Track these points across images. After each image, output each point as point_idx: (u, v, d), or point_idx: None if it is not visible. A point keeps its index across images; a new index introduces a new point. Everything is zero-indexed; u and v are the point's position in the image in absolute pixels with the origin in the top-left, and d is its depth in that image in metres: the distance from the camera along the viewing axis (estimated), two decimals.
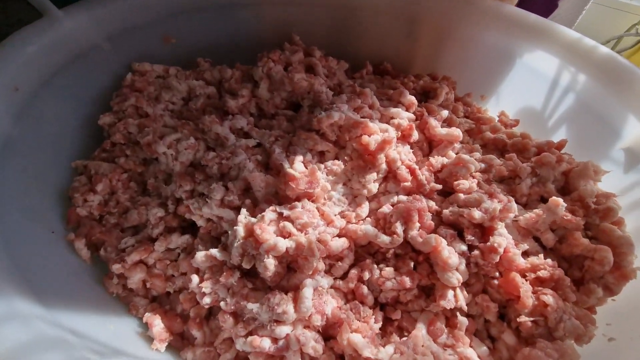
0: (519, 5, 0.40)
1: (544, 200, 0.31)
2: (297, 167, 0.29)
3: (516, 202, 0.31)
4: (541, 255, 0.28)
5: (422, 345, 0.24)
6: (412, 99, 0.35)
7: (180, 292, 0.30)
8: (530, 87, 0.36)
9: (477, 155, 0.33)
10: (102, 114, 0.37)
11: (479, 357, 0.25)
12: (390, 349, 0.24)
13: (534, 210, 0.29)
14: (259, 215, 0.27)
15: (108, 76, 0.39)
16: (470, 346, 0.26)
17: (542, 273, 0.26)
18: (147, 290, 0.30)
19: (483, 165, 0.32)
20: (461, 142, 0.35)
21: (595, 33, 0.55)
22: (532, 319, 0.25)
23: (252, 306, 0.24)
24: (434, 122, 0.33)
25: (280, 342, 0.24)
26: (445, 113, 0.35)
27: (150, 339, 0.26)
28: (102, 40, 0.37)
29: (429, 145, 0.35)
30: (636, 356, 0.22)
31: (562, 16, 0.41)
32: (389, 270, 0.27)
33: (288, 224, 0.26)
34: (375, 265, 0.28)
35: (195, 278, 0.27)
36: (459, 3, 0.37)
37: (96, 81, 0.38)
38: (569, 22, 0.42)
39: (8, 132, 0.30)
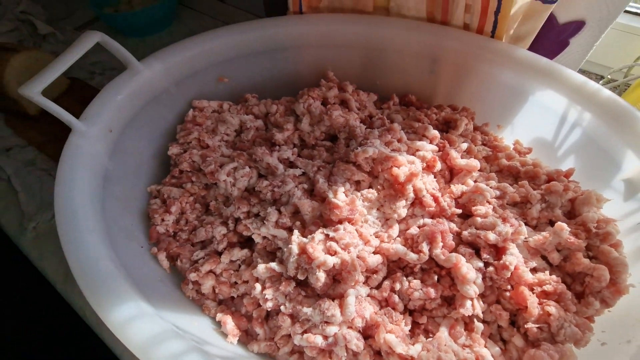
0: (532, 43, 0.44)
1: (551, 223, 0.36)
2: (340, 196, 0.35)
3: (527, 225, 0.36)
4: (547, 272, 0.33)
5: (445, 345, 0.30)
6: (436, 133, 0.40)
7: (242, 297, 0.36)
8: (541, 120, 0.41)
9: (493, 183, 0.38)
10: (170, 145, 0.44)
11: (492, 356, 0.30)
12: (418, 346, 0.30)
13: (542, 233, 0.34)
14: (310, 236, 0.33)
15: (174, 113, 0.47)
16: (485, 347, 0.31)
17: (547, 287, 0.31)
18: (215, 295, 0.37)
19: (498, 192, 0.37)
20: (479, 170, 0.40)
21: (608, 57, 0.58)
22: (537, 325, 0.30)
23: (307, 310, 0.31)
24: (454, 154, 0.39)
25: (330, 339, 0.30)
26: (464, 145, 0.40)
27: (223, 334, 0.33)
28: (171, 85, 0.45)
29: (450, 173, 0.40)
30: (623, 358, 0.26)
31: (573, 52, 0.45)
32: (416, 283, 0.33)
33: (334, 244, 0.32)
34: (405, 278, 0.34)
35: (258, 286, 0.33)
36: (475, 45, 0.42)
37: (165, 118, 0.46)
38: (580, 57, 0.46)
39: (106, 167, 0.38)
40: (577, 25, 0.43)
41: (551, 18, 0.44)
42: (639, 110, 0.35)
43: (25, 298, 0.85)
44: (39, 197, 0.55)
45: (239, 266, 0.38)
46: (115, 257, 0.30)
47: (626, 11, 0.57)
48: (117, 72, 0.74)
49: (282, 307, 0.32)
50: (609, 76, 0.54)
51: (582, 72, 0.60)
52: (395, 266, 0.35)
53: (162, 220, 0.40)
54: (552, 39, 0.45)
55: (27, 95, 0.33)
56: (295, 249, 0.33)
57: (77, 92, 0.68)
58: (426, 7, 0.42)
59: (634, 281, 0.31)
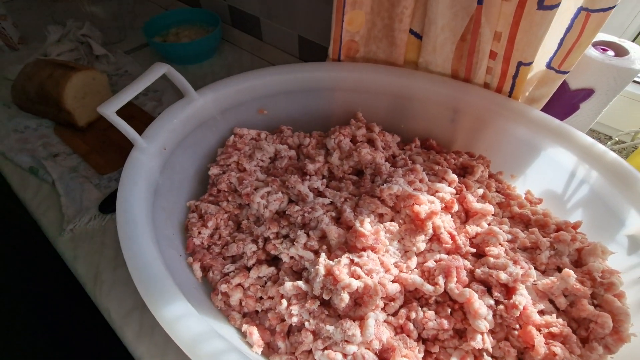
0: (546, 104, 0.49)
1: (559, 269, 0.39)
2: (367, 226, 0.38)
3: (536, 269, 0.39)
4: (554, 315, 0.35)
5: None
6: (454, 177, 0.44)
7: (266, 311, 0.39)
8: (552, 174, 0.45)
9: (505, 227, 0.42)
10: (211, 166, 0.49)
11: None
12: None
13: (550, 277, 0.37)
14: (336, 259, 0.37)
15: (216, 137, 0.52)
16: None
17: (554, 329, 0.34)
18: (241, 307, 0.40)
19: (510, 236, 0.41)
20: (493, 215, 0.44)
21: (619, 120, 0.63)
22: None
23: (329, 328, 0.33)
24: (471, 198, 0.42)
25: (349, 358, 0.32)
26: (480, 191, 0.44)
27: (248, 344, 0.36)
28: (217, 113, 0.50)
29: (465, 215, 0.44)
30: None
31: (583, 115, 0.50)
32: (430, 314, 0.35)
33: (358, 269, 0.35)
34: (420, 308, 0.36)
35: (284, 302, 0.36)
36: (493, 102, 0.47)
37: (208, 141, 0.51)
38: (590, 120, 0.50)
39: (157, 180, 0.42)
40: (587, 93, 0.48)
41: (564, 84, 0.49)
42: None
43: (53, 296, 0.88)
44: (79, 201, 0.60)
45: (265, 282, 0.41)
46: (163, 261, 0.34)
47: (635, 81, 0.62)
48: (158, 94, 0.81)
49: (306, 324, 0.34)
50: (616, 138, 0.58)
51: (592, 131, 0.65)
52: (411, 296, 0.38)
53: (199, 233, 0.43)
54: (564, 102, 0.49)
55: (104, 113, 0.38)
56: (322, 270, 0.36)
57: (123, 109, 0.75)
58: (452, 65, 0.48)
59: (635, 331, 0.33)
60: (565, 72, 0.42)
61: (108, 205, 0.58)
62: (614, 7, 0.36)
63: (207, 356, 0.26)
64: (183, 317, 0.28)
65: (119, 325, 0.46)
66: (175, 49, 0.85)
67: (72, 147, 0.68)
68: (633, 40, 0.58)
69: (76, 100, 0.68)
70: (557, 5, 0.35)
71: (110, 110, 0.38)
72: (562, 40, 0.39)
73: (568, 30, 0.38)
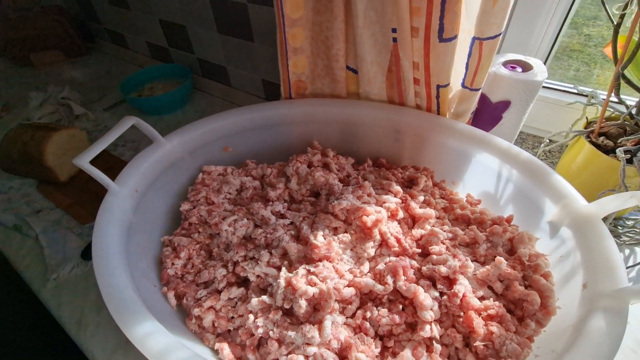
0: (475, 117, 0.56)
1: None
2: (319, 239, 0.43)
3: (476, 261, 0.44)
4: (492, 299, 0.39)
5: None
6: (398, 188, 0.50)
7: (237, 329, 0.42)
8: (485, 177, 0.50)
9: (446, 227, 0.47)
10: (182, 203, 0.53)
11: None
12: None
13: (486, 266, 0.41)
14: (294, 271, 0.41)
15: (186, 176, 0.57)
16: None
17: (491, 311, 0.38)
18: (214, 329, 0.43)
19: (450, 235, 0.45)
20: (437, 217, 0.49)
21: (544, 123, 0.70)
22: (483, 343, 0.36)
23: (291, 333, 0.37)
24: (414, 204, 0.48)
25: (310, 358, 0.35)
26: (422, 198, 0.49)
27: None
28: (186, 154, 0.56)
29: (412, 221, 0.49)
30: None
31: (507, 124, 0.57)
32: (384, 311, 0.39)
33: (314, 277, 0.40)
34: (375, 308, 0.40)
35: (251, 317, 0.40)
36: (426, 120, 0.54)
37: (178, 181, 0.56)
38: (514, 128, 0.57)
39: (130, 220, 0.46)
40: (505, 104, 0.55)
41: (486, 99, 0.57)
42: (551, 168, 0.44)
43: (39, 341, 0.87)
44: (62, 251, 0.63)
45: (236, 303, 0.44)
46: (137, 290, 0.37)
47: (556, 89, 0.71)
48: (136, 144, 0.87)
49: (270, 333, 0.38)
50: (547, 139, 0.65)
51: (528, 135, 0.72)
52: (367, 298, 0.41)
53: (172, 264, 0.47)
54: (489, 114, 0.57)
55: (79, 164, 0.43)
56: (282, 282, 0.40)
57: (103, 160, 0.80)
58: (386, 93, 0.55)
59: (560, 304, 0.37)
60: (477, 89, 0.49)
61: (90, 252, 0.61)
62: (500, 34, 0.43)
63: None
64: (152, 334, 0.31)
65: None
66: (149, 102, 0.92)
67: (55, 202, 0.72)
68: (547, 56, 0.67)
69: (57, 157, 0.73)
70: (455, 37, 0.43)
71: (84, 161, 0.43)
72: (467, 64, 0.47)
73: (469, 55, 0.46)
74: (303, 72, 0.56)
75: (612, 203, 0.36)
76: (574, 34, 0.86)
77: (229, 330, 0.42)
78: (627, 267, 0.52)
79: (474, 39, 0.45)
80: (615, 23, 0.47)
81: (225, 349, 0.38)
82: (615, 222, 0.57)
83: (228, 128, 0.58)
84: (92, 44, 1.29)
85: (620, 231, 0.55)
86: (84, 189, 0.75)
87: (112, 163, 0.80)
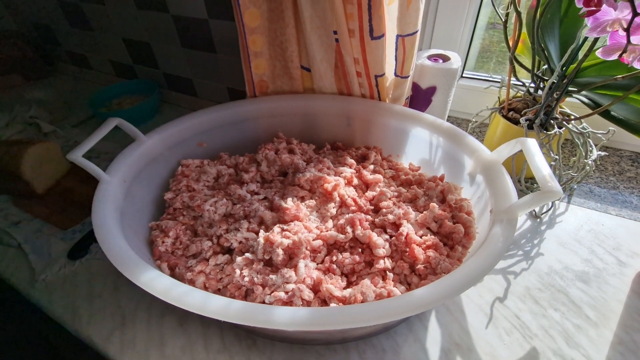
0: (412, 102, 0.68)
1: None
2: (289, 203, 0.51)
3: (417, 211, 0.54)
4: (430, 235, 0.50)
5: (367, 286, 0.45)
6: (352, 161, 0.60)
7: (226, 286, 0.49)
8: (420, 147, 0.62)
9: (393, 188, 0.57)
10: (166, 192, 0.60)
11: (400, 292, 0.45)
12: (349, 290, 0.44)
13: (424, 212, 0.52)
14: (271, 230, 0.49)
15: (166, 170, 0.63)
16: (395, 287, 0.46)
17: (428, 242, 0.48)
18: (206, 289, 0.50)
19: (396, 193, 0.56)
20: (385, 183, 0.59)
21: (470, 108, 0.84)
22: (423, 265, 0.46)
23: (272, 276, 0.45)
24: (365, 172, 0.58)
25: (289, 293, 0.43)
26: (372, 167, 0.60)
27: None
28: (165, 150, 0.63)
29: (365, 186, 0.59)
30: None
31: (436, 106, 0.70)
32: (346, 254, 0.48)
33: (287, 232, 0.48)
34: (339, 253, 0.49)
35: (237, 271, 0.47)
36: (370, 106, 0.65)
37: (160, 173, 0.62)
38: (443, 109, 0.70)
39: (121, 206, 0.52)
40: (432, 89, 0.67)
41: (417, 87, 0.69)
42: (469, 134, 0.56)
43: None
44: (47, 256, 0.66)
45: (223, 267, 0.52)
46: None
47: (477, 78, 0.85)
48: (110, 155, 0.91)
49: (255, 279, 0.45)
50: (473, 119, 0.79)
51: (459, 119, 0.86)
52: (332, 247, 0.50)
53: (163, 242, 0.54)
54: (421, 98, 0.69)
55: (73, 158, 0.49)
56: (261, 240, 0.48)
57: (78, 172, 0.83)
58: (336, 86, 0.66)
59: (478, 230, 0.48)
60: (406, 77, 0.61)
61: (76, 251, 0.65)
62: (417, 31, 0.55)
63: (179, 295, 0.36)
64: (157, 278, 0.38)
65: (103, 346, 0.53)
66: (119, 115, 0.96)
67: (33, 214, 0.75)
68: (467, 51, 0.82)
69: (34, 170, 0.76)
70: (383, 35, 0.54)
71: (77, 155, 0.49)
72: (396, 56, 0.59)
73: (396, 49, 0.58)
74: (264, 72, 0.66)
75: (505, 150, 0.48)
76: (494, 34, 1.03)
77: (219, 289, 0.49)
78: (542, 213, 0.65)
79: (397, 36, 0.56)
80: (503, 20, 0.61)
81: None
82: (529, 180, 0.71)
83: (202, 125, 0.65)
84: (51, 66, 1.31)
85: (533, 187, 0.69)
86: (61, 199, 0.78)
87: (86, 174, 0.84)
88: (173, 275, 0.51)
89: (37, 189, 0.77)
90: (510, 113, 0.71)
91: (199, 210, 0.56)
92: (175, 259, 0.52)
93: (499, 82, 0.80)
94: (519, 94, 0.74)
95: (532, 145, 0.45)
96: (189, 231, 0.57)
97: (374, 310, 0.33)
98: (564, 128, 0.65)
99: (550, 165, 0.65)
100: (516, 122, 0.68)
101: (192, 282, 0.49)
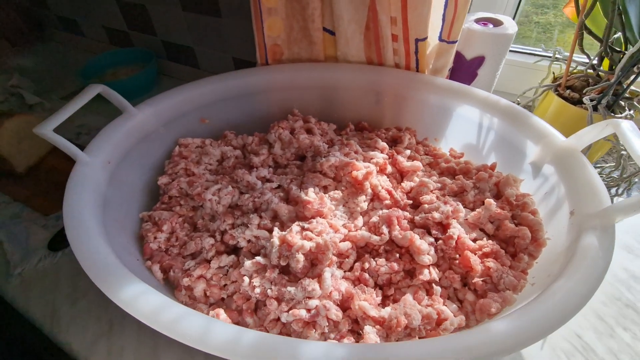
0: (452, 76, 0.57)
1: (484, 204, 0.44)
2: (311, 195, 0.41)
3: (465, 208, 0.44)
4: (485, 239, 0.40)
5: (410, 305, 0.35)
6: (384, 144, 0.50)
7: (231, 295, 0.40)
8: (466, 130, 0.51)
9: (435, 178, 0.47)
10: (160, 177, 0.50)
11: (451, 313, 0.36)
12: (388, 309, 0.35)
13: (477, 209, 0.42)
14: (288, 229, 0.39)
15: (162, 150, 0.53)
16: (444, 305, 0.36)
17: (486, 249, 0.38)
18: (207, 298, 0.41)
19: (439, 185, 0.46)
20: (423, 171, 0.49)
21: (516, 85, 0.73)
22: (482, 279, 0.36)
23: (291, 289, 0.35)
24: (401, 158, 0.48)
25: (312, 311, 0.34)
26: (408, 152, 0.50)
27: None
28: (160, 126, 0.52)
29: (400, 175, 0.49)
30: (547, 288, 0.33)
31: (483, 80, 0.59)
32: (382, 261, 0.39)
33: (309, 232, 0.38)
34: (372, 259, 0.39)
35: (246, 279, 0.38)
36: (406, 79, 0.54)
37: (154, 154, 0.52)
38: (488, 84, 0.59)
39: (105, 193, 0.43)
40: (479, 60, 0.56)
41: (461, 57, 0.58)
42: (531, 113, 0.46)
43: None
44: (25, 246, 0.57)
45: (227, 271, 0.42)
46: (119, 259, 0.35)
47: (522, 52, 0.73)
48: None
49: (268, 291, 0.36)
50: (518, 99, 0.68)
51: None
52: (363, 251, 0.41)
53: (155, 238, 0.44)
54: (464, 71, 0.58)
55: (41, 133, 0.39)
56: (276, 241, 0.38)
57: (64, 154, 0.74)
58: (365, 53, 0.55)
59: (549, 235, 0.38)
60: (454, 42, 0.50)
61: (58, 242, 0.57)
62: None
63: (169, 322, 0.27)
64: (141, 294, 0.29)
65: (85, 356, 0.44)
66: (113, 87, 0.85)
67: (12, 195, 0.66)
68: (514, 14, 0.70)
69: (12, 145, 0.67)
70: None
71: (46, 129, 0.39)
72: (443, 15, 0.47)
73: (445, 6, 0.46)
74: (279, 35, 0.54)
75: (589, 134, 0.37)
76: (525, 22, 0.90)
77: (223, 299, 0.40)
78: None
79: None
80: None
81: (221, 313, 0.36)
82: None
83: (204, 97, 0.55)
84: (40, 32, 1.19)
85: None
86: (44, 179, 0.69)
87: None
88: (167, 279, 0.42)
89: (17, 167, 0.68)
90: (568, 92, 0.59)
91: (199, 200, 0.46)
92: (170, 260, 0.43)
93: (549, 56, 0.69)
94: (577, 70, 0.62)
95: (629, 129, 0.34)
96: (187, 224, 0.47)
97: (441, 351, 0.24)
98: (633, 110, 0.54)
99: (621, 155, 0.54)
100: (574, 102, 0.57)
101: (189, 290, 0.40)
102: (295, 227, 0.39)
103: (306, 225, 0.39)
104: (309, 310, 0.34)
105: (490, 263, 0.37)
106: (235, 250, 0.44)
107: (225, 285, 0.41)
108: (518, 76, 0.72)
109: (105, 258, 0.32)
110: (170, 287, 0.42)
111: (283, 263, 0.37)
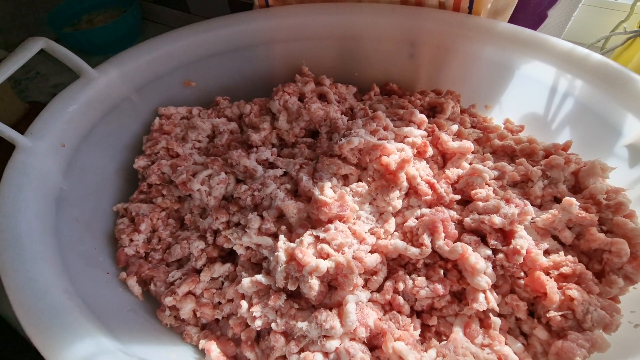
0: (511, 19, 0.43)
1: (557, 200, 0.33)
2: (327, 193, 0.31)
3: (531, 204, 0.33)
4: (561, 253, 0.30)
5: (462, 347, 0.26)
6: (423, 117, 0.38)
7: (228, 318, 0.32)
8: (531, 95, 0.39)
9: (490, 163, 0.36)
10: (137, 158, 0.40)
11: (515, 353, 0.27)
12: (432, 353, 0.26)
13: (550, 210, 0.31)
14: (298, 240, 0.29)
15: (138, 123, 0.43)
16: (506, 344, 0.27)
17: (565, 269, 0.28)
18: (197, 319, 0.33)
19: (496, 173, 0.35)
20: (473, 152, 0.38)
21: (585, 32, 0.57)
22: (560, 313, 0.27)
23: (302, 324, 0.27)
24: (445, 137, 0.36)
25: (331, 356, 0.26)
26: (454, 127, 0.38)
27: None
28: (131, 92, 0.41)
29: (442, 158, 0.38)
30: None
31: (552, 24, 0.44)
32: (421, 280, 0.29)
33: (325, 246, 0.29)
34: (408, 276, 0.30)
35: (244, 304, 0.29)
36: (453, 24, 0.40)
37: (128, 129, 0.42)
38: (560, 29, 0.44)
39: (59, 186, 0.33)
40: None
41: None
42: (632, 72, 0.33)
43: None
44: None
45: (222, 284, 0.34)
46: (72, 288, 0.26)
47: None
48: None
49: (273, 325, 0.27)
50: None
51: None
52: (396, 264, 0.31)
53: (131, 240, 0.35)
54: (530, 12, 0.43)
55: None
56: (282, 256, 0.29)
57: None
58: None
59: None
60: None
61: None
62: None
63: None
64: (93, 358, 0.20)
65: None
66: (89, 36, 0.73)
67: None
68: None
69: None
70: None
71: None
72: None
73: None
74: None
75: None
76: None
77: (217, 320, 0.32)
78: None
79: None
80: None
81: (212, 349, 0.28)
82: None
83: (186, 53, 0.43)
84: None
85: None
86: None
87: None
88: (147, 292, 0.34)
89: None
90: None
91: (184, 190, 0.37)
92: (150, 269, 0.34)
93: None
94: None
95: None
96: (171, 220, 0.38)
97: None
98: None
99: None
100: None
101: (174, 310, 0.32)
102: (308, 237, 0.29)
103: (322, 235, 0.29)
104: (326, 355, 0.26)
105: (574, 292, 0.27)
106: (231, 254, 0.36)
107: (219, 303, 0.32)
108: (591, 19, 0.56)
109: (47, 297, 0.23)
110: (152, 302, 0.34)
111: (292, 287, 0.28)
